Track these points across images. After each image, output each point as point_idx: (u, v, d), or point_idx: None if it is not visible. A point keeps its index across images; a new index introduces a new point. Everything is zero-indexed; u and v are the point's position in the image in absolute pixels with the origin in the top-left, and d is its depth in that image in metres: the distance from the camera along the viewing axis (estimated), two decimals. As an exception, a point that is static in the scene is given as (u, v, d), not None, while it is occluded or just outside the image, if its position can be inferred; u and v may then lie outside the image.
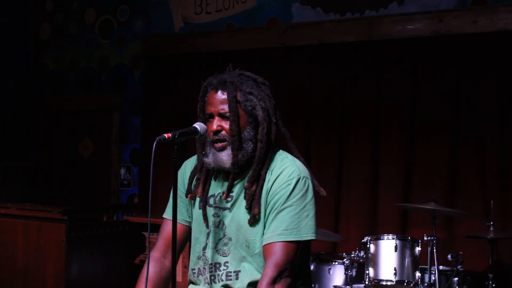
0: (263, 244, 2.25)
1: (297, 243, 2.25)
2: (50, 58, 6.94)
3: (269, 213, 2.27)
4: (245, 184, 2.29)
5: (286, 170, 2.29)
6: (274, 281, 2.18)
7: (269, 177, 2.30)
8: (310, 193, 2.30)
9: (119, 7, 6.47)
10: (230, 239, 2.32)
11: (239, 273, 2.30)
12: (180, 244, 2.46)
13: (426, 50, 4.93)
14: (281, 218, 2.24)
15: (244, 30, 5.70)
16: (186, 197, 2.44)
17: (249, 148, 2.29)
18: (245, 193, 2.28)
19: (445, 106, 4.85)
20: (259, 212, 2.27)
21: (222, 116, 2.29)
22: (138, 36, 6.31)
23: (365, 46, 5.14)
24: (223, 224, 2.34)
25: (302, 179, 2.28)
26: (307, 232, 2.26)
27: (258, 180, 2.28)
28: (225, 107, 2.27)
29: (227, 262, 2.32)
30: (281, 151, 2.38)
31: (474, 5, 4.84)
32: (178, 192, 2.43)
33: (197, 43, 5.87)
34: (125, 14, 6.44)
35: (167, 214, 2.50)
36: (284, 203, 2.25)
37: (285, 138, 2.42)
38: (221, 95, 2.29)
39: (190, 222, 2.48)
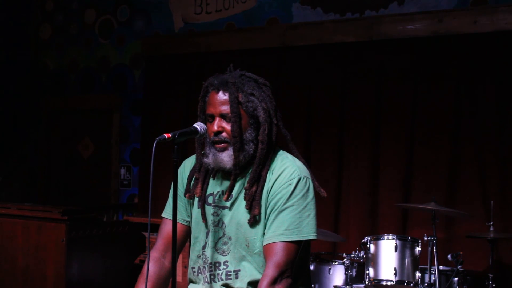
0: (264, 244, 2.24)
1: (298, 243, 2.24)
2: (50, 58, 6.94)
3: (270, 213, 2.26)
4: (245, 185, 2.28)
5: (286, 170, 2.28)
6: (274, 281, 2.17)
7: (270, 177, 2.29)
8: (311, 193, 2.29)
9: (119, 7, 6.47)
10: (229, 238, 2.31)
11: (239, 273, 2.30)
12: (179, 244, 2.44)
13: (426, 50, 4.93)
14: (282, 218, 2.24)
15: (244, 30, 5.70)
16: (185, 196, 2.44)
17: (250, 149, 2.29)
18: (245, 194, 2.28)
19: (445, 106, 4.85)
20: (260, 213, 2.26)
21: (223, 117, 2.27)
22: (138, 36, 6.31)
23: (365, 46, 5.14)
24: (223, 223, 2.33)
25: (303, 179, 2.28)
26: (308, 232, 2.25)
27: (258, 181, 2.27)
28: (226, 108, 2.26)
29: (227, 261, 2.31)
30: (281, 152, 2.37)
31: (474, 5, 4.84)
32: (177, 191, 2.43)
33: (197, 43, 5.87)
34: (125, 14, 6.44)
35: (166, 213, 2.49)
36: (285, 203, 2.24)
37: (285, 138, 2.42)
38: (222, 96, 2.28)
39: (189, 222, 2.47)
